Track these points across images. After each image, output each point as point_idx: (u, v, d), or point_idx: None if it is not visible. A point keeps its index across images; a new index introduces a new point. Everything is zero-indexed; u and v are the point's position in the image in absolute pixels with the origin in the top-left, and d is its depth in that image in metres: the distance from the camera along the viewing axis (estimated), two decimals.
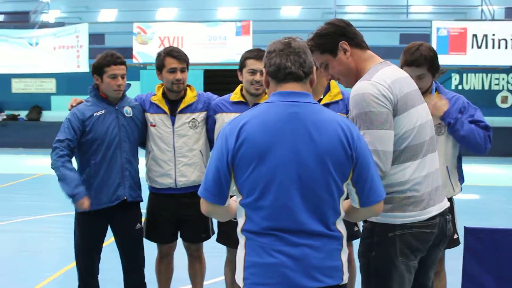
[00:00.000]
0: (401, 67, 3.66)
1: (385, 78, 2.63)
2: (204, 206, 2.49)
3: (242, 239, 2.43)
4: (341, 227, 2.43)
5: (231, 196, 2.50)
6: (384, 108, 2.59)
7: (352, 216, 2.56)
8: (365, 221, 2.76)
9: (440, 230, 2.77)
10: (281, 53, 2.41)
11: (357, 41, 2.77)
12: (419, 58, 3.62)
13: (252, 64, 3.98)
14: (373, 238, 2.73)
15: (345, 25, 2.78)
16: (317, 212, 2.34)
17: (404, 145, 2.66)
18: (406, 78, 2.76)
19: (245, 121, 2.38)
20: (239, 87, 4.15)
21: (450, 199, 3.83)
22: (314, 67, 2.49)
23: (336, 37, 2.76)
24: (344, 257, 2.42)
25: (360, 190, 2.41)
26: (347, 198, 2.52)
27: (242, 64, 4.04)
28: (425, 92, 3.64)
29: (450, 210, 3.77)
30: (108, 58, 3.99)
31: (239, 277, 2.44)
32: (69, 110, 4.10)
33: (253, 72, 3.97)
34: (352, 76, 2.80)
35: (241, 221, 2.43)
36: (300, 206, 2.32)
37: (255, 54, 4.01)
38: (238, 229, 2.45)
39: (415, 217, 2.68)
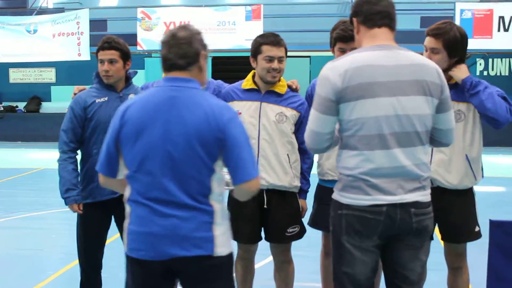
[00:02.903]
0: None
1: (346, 64, 2.88)
2: (100, 179, 2.98)
3: (127, 208, 2.86)
4: (215, 202, 2.77)
5: None
6: (324, 93, 2.90)
7: (234, 194, 2.92)
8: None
9: (399, 221, 2.92)
10: (165, 45, 2.80)
11: (363, 19, 3.01)
12: (438, 29, 3.61)
13: (268, 50, 3.96)
14: (331, 213, 3.08)
15: (362, 3, 3.02)
16: (185, 186, 2.71)
17: (350, 133, 2.92)
18: (377, 67, 2.87)
19: (131, 103, 2.85)
20: (251, 74, 4.14)
21: (470, 189, 3.84)
22: (202, 54, 2.79)
23: (352, 13, 3.08)
24: (218, 230, 2.76)
25: (231, 169, 2.76)
26: None
27: (257, 50, 4.01)
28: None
29: (470, 201, 3.80)
30: (100, 44, 4.08)
31: (124, 242, 2.91)
32: (72, 98, 4.17)
33: (271, 59, 3.97)
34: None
35: (127, 193, 2.86)
36: (170, 180, 2.71)
37: (271, 39, 3.99)
38: (124, 200, 2.89)
39: (357, 201, 2.93)
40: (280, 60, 3.98)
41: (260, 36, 4.09)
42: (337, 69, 2.87)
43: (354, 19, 3.04)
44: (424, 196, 2.99)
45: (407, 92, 2.88)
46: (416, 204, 2.95)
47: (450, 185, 3.73)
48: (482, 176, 3.86)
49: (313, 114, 2.97)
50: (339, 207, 3.00)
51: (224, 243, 2.79)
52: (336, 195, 3.04)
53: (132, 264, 2.85)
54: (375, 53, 2.91)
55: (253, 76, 4.12)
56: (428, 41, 3.66)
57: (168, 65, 2.80)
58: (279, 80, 4.08)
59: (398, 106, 2.87)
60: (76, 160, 4.12)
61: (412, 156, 2.92)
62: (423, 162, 2.97)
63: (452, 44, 3.62)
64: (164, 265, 2.76)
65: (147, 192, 2.74)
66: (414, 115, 2.90)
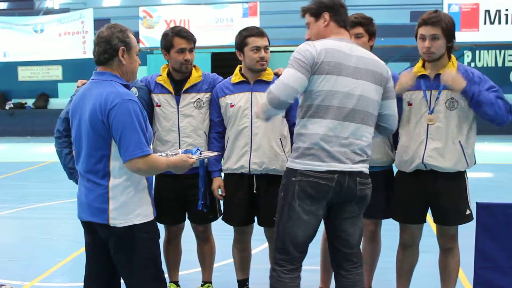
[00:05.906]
0: (417, 30, 3.71)
1: (321, 45, 3.24)
2: None
3: None
4: (113, 178, 3.05)
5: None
6: (302, 58, 3.20)
7: None
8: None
9: (346, 188, 3.24)
10: (94, 42, 3.16)
11: (337, 19, 3.36)
12: (435, 17, 3.62)
13: (254, 41, 3.99)
14: (284, 181, 3.34)
15: (338, 5, 3.36)
16: (90, 163, 3.08)
17: (314, 103, 3.23)
18: (344, 53, 3.23)
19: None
20: (237, 68, 4.18)
21: (463, 174, 3.82)
22: (121, 49, 3.07)
23: (324, 8, 3.36)
24: (113, 204, 3.04)
25: (119, 149, 2.99)
26: None
27: (243, 43, 4.03)
28: (438, 60, 3.69)
29: (462, 185, 3.78)
30: None
31: None
32: (75, 91, 4.14)
33: (258, 48, 3.99)
34: (318, 39, 3.37)
35: None
36: (83, 156, 3.10)
37: (256, 31, 4.03)
38: None
39: (313, 167, 3.21)
40: (265, 49, 4.03)
41: (244, 30, 4.09)
42: (315, 47, 3.22)
43: (327, 14, 3.34)
44: (366, 168, 3.34)
45: (365, 78, 3.25)
46: (361, 174, 3.29)
47: (443, 169, 3.72)
48: (475, 162, 3.84)
49: (290, 71, 3.22)
50: (293, 174, 3.26)
51: (120, 216, 3.05)
52: (290, 163, 3.31)
53: None
54: (342, 43, 3.30)
55: (240, 70, 4.15)
56: (428, 29, 3.64)
57: (95, 61, 3.15)
58: (265, 69, 4.10)
59: (359, 87, 3.23)
60: (71, 143, 4.08)
61: (363, 132, 3.26)
62: (368, 140, 3.31)
63: (449, 30, 3.65)
64: (85, 225, 3.22)
65: (77, 164, 3.19)
66: (369, 98, 3.26)
